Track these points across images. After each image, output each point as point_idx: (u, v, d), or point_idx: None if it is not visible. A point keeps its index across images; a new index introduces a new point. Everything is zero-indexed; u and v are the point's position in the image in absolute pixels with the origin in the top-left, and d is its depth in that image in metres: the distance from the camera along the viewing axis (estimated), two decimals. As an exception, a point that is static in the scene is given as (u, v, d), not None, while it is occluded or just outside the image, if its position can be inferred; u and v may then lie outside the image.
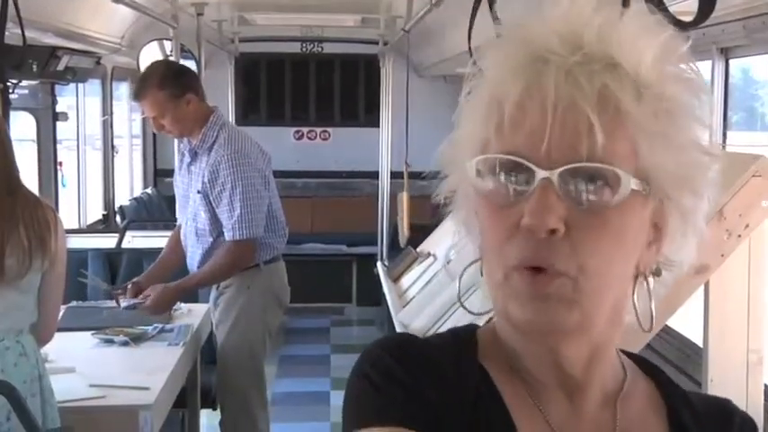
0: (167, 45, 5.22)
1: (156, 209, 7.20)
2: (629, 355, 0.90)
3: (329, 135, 8.61)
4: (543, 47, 0.77)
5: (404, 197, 5.18)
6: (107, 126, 6.24)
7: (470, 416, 0.81)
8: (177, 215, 3.96)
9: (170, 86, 3.55)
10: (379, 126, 6.97)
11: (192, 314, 3.74)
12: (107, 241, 4.70)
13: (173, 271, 3.80)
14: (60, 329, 2.75)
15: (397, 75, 6.57)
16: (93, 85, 6.05)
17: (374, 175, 7.14)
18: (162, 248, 3.96)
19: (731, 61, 2.95)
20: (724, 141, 2.97)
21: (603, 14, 0.78)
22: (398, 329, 3.42)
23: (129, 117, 7.33)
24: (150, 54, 5.42)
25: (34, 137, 5.17)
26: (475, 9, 2.72)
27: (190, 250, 3.76)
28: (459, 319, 2.90)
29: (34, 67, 4.17)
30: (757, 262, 2.00)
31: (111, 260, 4.33)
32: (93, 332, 3.37)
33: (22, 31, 2.91)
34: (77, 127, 5.92)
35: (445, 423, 0.79)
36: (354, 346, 6.91)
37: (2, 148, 2.44)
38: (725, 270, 1.96)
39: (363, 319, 7.68)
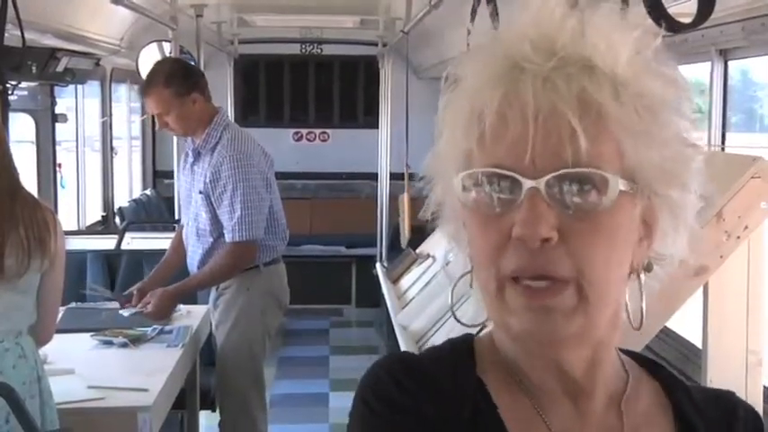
0: (166, 47, 5.22)
1: (156, 210, 7.20)
2: (627, 353, 0.89)
3: (328, 136, 8.61)
4: (518, 54, 0.77)
5: (405, 198, 5.19)
6: (106, 127, 6.24)
7: (467, 429, 0.81)
8: (182, 214, 3.97)
9: (176, 85, 3.57)
10: (378, 127, 6.97)
11: (191, 315, 3.74)
12: (106, 243, 4.69)
13: (177, 270, 3.81)
14: (59, 331, 2.75)
15: (396, 76, 6.57)
16: (93, 87, 6.05)
17: (373, 176, 7.15)
18: (161, 249, 3.97)
19: (730, 63, 2.95)
20: (723, 143, 2.97)
21: (575, 16, 0.78)
22: (397, 331, 3.42)
23: (128, 118, 7.33)
24: (149, 55, 5.42)
25: (33, 138, 5.17)
26: (474, 10, 2.73)
27: (190, 250, 3.77)
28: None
29: (33, 68, 4.16)
30: (756, 263, 2.00)
31: (110, 262, 4.33)
32: (92, 334, 3.37)
33: (22, 33, 2.91)
34: (76, 128, 5.92)
35: None
36: (354, 348, 6.91)
37: (2, 149, 2.44)
38: (724, 271, 1.96)
39: (362, 321, 7.68)
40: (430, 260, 3.97)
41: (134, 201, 6.95)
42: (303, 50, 8.33)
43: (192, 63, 5.29)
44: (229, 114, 7.02)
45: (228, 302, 3.73)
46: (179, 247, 3.86)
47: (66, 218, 5.28)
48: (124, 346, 3.31)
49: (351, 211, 8.08)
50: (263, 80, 8.51)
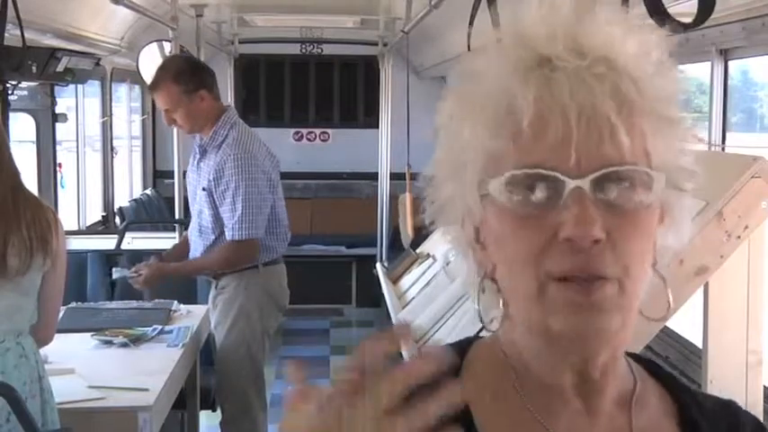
0: (167, 46, 5.21)
1: (156, 210, 7.21)
2: (631, 355, 0.89)
3: (329, 136, 8.61)
4: (546, 51, 0.76)
5: (407, 198, 5.19)
6: (106, 127, 6.24)
7: None
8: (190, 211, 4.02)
9: (185, 81, 3.58)
10: (378, 127, 6.97)
11: (191, 316, 3.74)
12: (106, 243, 4.70)
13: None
14: (60, 331, 2.75)
15: (396, 76, 6.57)
16: (93, 87, 6.05)
17: (373, 176, 7.15)
18: (161, 249, 4.01)
19: (730, 63, 2.94)
20: (723, 143, 2.97)
21: (589, 13, 0.78)
22: (398, 331, 3.41)
23: (128, 118, 7.33)
24: (150, 55, 5.43)
25: (33, 138, 5.17)
26: (474, 10, 2.73)
27: (193, 246, 3.81)
28: (459, 319, 2.90)
29: (34, 68, 4.17)
30: (756, 263, 2.00)
31: (110, 261, 4.33)
32: (92, 333, 3.37)
33: (22, 33, 2.91)
34: (77, 128, 5.93)
35: None
36: (354, 348, 6.90)
37: (2, 149, 2.44)
38: (724, 271, 1.96)
39: (363, 321, 7.67)
40: (430, 260, 3.97)
41: (134, 201, 6.96)
42: (303, 50, 8.33)
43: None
44: (230, 114, 7.03)
45: (226, 302, 3.74)
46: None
47: (67, 218, 5.27)
48: (124, 345, 3.31)
49: (351, 210, 8.08)
50: (264, 80, 8.51)
